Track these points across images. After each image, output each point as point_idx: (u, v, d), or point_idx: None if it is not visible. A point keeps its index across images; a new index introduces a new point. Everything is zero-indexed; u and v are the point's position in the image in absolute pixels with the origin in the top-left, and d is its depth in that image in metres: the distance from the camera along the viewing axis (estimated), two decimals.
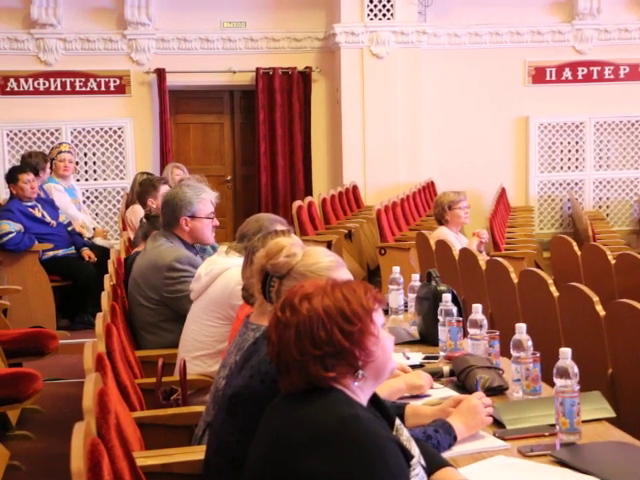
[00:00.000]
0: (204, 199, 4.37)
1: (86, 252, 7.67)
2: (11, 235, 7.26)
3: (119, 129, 11.04)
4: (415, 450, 2.12)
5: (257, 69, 11.19)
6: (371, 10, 11.06)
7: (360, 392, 2.00)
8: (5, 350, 4.89)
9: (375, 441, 1.88)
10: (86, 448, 1.87)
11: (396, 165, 11.10)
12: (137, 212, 6.45)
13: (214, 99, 11.65)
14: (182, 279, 4.18)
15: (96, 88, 10.94)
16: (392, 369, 2.08)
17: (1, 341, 4.94)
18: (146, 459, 2.66)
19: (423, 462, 2.13)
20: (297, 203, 8.80)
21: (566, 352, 2.58)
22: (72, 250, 7.76)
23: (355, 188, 11.02)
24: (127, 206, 7.43)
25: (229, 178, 11.80)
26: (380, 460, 1.86)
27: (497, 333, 3.39)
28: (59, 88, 10.86)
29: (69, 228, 7.83)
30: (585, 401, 2.67)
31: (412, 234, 8.20)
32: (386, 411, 2.14)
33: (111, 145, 11.08)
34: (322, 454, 1.86)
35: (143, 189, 6.39)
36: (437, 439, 2.44)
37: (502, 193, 10.97)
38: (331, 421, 1.90)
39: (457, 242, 6.27)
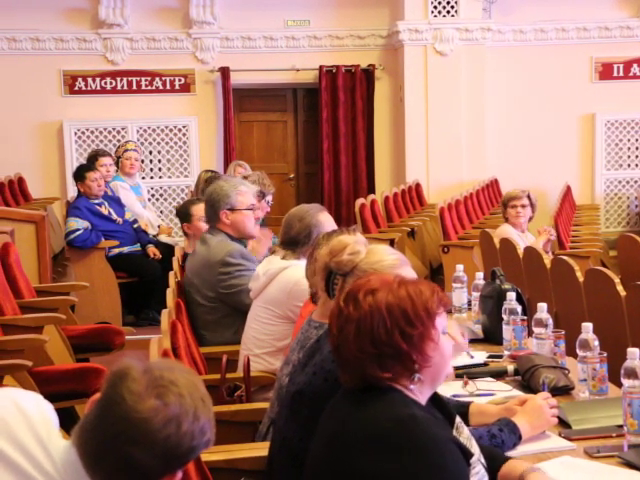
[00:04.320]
0: (242, 191, 4.34)
1: (151, 249, 7.77)
2: (79, 232, 7.37)
3: (184, 127, 11.13)
4: (475, 449, 2.11)
5: (320, 67, 11.24)
6: (435, 7, 11.04)
7: (418, 392, 2.00)
8: (73, 345, 4.95)
9: (433, 441, 1.88)
10: None
11: (459, 163, 11.09)
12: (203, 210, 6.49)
13: (277, 97, 11.73)
14: (236, 273, 4.17)
15: (161, 87, 11.07)
16: (449, 374, 2.08)
17: (69, 336, 5.01)
18: (210, 454, 2.67)
19: (484, 461, 2.11)
20: (360, 201, 8.78)
21: (634, 352, 2.55)
22: (138, 247, 7.84)
23: (418, 186, 11.01)
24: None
25: (292, 176, 11.84)
26: (438, 460, 1.86)
27: (563, 332, 3.36)
28: (125, 87, 11.00)
29: (135, 225, 7.93)
30: None
31: (475, 232, 8.16)
32: (446, 410, 2.12)
33: (176, 143, 11.13)
34: (379, 454, 1.85)
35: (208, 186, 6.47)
36: (502, 438, 2.42)
37: (567, 191, 10.88)
38: (388, 422, 1.90)
39: (520, 240, 6.20)
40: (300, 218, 3.70)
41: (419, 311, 1.96)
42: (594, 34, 11.62)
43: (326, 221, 3.72)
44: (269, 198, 5.67)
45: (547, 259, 5.30)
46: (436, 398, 2.12)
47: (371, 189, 11.27)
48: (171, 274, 4.45)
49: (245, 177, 5.89)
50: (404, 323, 1.94)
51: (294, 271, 3.59)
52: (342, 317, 1.98)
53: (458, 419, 2.16)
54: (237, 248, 4.20)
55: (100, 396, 1.58)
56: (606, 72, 11.71)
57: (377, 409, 1.93)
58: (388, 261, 2.44)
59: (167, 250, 7.50)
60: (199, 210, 5.19)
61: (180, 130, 11.13)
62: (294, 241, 3.69)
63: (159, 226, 8.63)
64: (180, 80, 11.12)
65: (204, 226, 5.01)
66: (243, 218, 4.26)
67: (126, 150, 8.53)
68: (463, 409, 2.60)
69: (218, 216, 4.28)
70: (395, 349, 1.94)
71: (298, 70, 11.27)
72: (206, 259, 4.25)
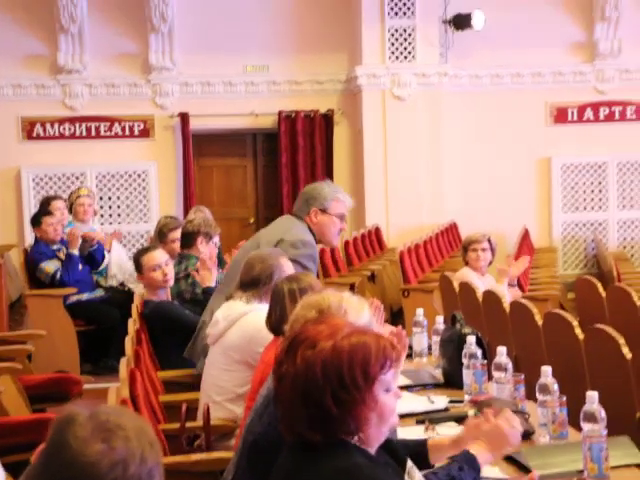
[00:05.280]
0: (339, 199, 4.40)
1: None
2: (58, 272, 7.35)
3: (143, 172, 11.15)
4: None
5: (279, 112, 11.27)
6: (392, 52, 11.14)
7: (363, 443, 1.91)
8: (29, 396, 4.84)
9: None
10: None
11: (419, 207, 11.13)
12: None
13: (237, 142, 11.75)
14: (302, 258, 4.23)
15: (120, 132, 11.08)
16: (393, 425, 1.98)
17: (25, 386, 4.90)
18: None
19: None
20: (320, 245, 8.73)
21: (593, 396, 2.56)
22: (97, 294, 7.75)
23: (378, 230, 11.05)
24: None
25: (252, 221, 11.82)
26: None
27: (522, 376, 3.35)
28: (84, 133, 10.99)
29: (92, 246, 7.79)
30: (613, 446, 2.61)
31: (435, 276, 8.20)
32: (398, 455, 2.07)
33: (135, 189, 11.13)
34: None
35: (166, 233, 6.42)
36: (461, 478, 2.37)
37: (525, 234, 10.97)
38: (334, 474, 1.84)
39: (481, 283, 6.21)
40: (262, 260, 3.72)
41: (356, 375, 1.84)
42: (548, 79, 11.72)
43: (286, 265, 3.75)
44: (216, 240, 5.66)
45: (506, 303, 5.31)
46: (387, 443, 2.04)
47: None
48: (130, 321, 4.43)
49: (189, 221, 5.88)
50: (338, 386, 1.83)
51: (255, 317, 3.57)
52: (281, 369, 1.90)
53: (410, 464, 2.12)
54: (311, 241, 4.28)
55: (45, 444, 1.56)
56: (560, 116, 11.83)
57: (321, 462, 1.85)
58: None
59: (126, 297, 7.43)
60: (150, 260, 5.11)
61: (139, 175, 11.15)
62: (255, 281, 3.70)
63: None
64: (139, 125, 11.16)
65: (157, 276, 5.02)
66: (330, 223, 4.34)
67: (79, 196, 8.49)
68: (422, 447, 2.56)
69: (308, 210, 4.36)
70: (325, 412, 1.83)
71: (257, 115, 11.32)
72: (277, 230, 4.36)
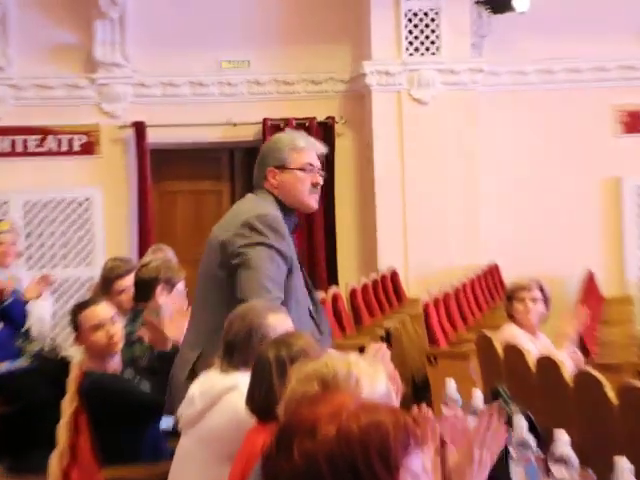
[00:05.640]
0: (298, 146, 4.43)
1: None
2: None
3: (85, 201, 11.23)
4: None
5: (264, 120, 11.37)
6: (410, 43, 11.27)
7: None
8: None
9: None
10: None
11: (447, 244, 11.21)
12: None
13: (209, 160, 11.90)
14: (256, 242, 4.28)
15: (55, 148, 11.21)
16: None
17: None
18: None
19: None
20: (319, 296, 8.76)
21: None
22: (19, 363, 7.60)
23: (394, 275, 11.11)
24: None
25: None
26: None
27: (590, 472, 3.35)
28: (8, 149, 11.14)
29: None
30: None
31: (471, 336, 8.28)
32: None
33: (74, 222, 11.21)
34: None
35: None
36: None
37: (590, 279, 10.99)
38: None
39: (532, 346, 6.22)
40: (242, 315, 3.75)
41: (374, 465, 1.77)
42: (615, 75, 11.82)
43: (277, 323, 3.74)
44: (180, 286, 5.67)
45: (567, 372, 5.28)
46: None
47: (333, 279, 11.37)
48: (65, 400, 4.35)
49: (144, 265, 5.89)
50: None
51: (242, 396, 3.51)
52: (272, 468, 1.82)
53: None
54: (273, 216, 4.32)
55: None
56: (632, 123, 11.90)
57: None
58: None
59: (60, 368, 7.34)
60: (91, 317, 5.10)
61: (80, 205, 11.23)
62: (231, 345, 3.72)
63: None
64: (80, 139, 11.26)
65: (100, 338, 5.05)
66: (294, 180, 4.39)
67: None
68: None
69: (265, 175, 4.43)
70: None
71: (235, 125, 11.45)
72: (230, 217, 4.46)
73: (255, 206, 4.35)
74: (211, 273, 4.40)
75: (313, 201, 4.48)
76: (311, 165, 4.43)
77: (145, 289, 5.61)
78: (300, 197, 4.42)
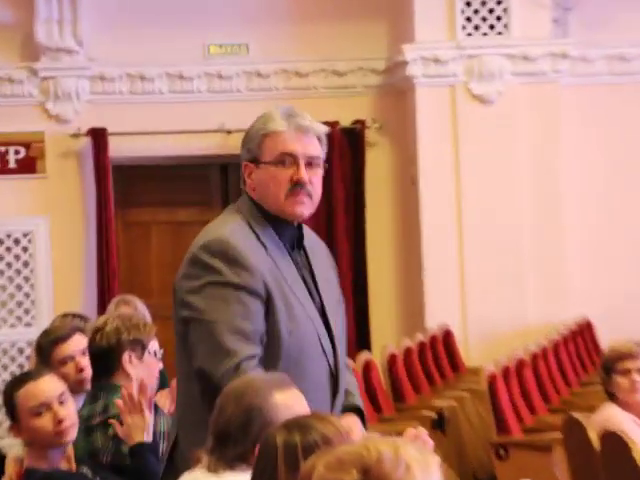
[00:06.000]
0: (269, 129, 4.41)
1: None
2: None
3: (25, 235, 11.28)
4: None
5: None
6: (468, 19, 11.30)
7: None
8: None
9: None
10: None
11: (521, 292, 11.26)
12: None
13: (194, 180, 11.98)
14: (205, 280, 4.23)
15: None
16: None
17: None
18: None
19: None
20: None
21: None
22: None
23: (448, 336, 11.18)
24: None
25: None
26: None
27: None
28: None
29: None
30: None
31: (555, 419, 8.39)
32: None
33: (10, 265, 11.24)
34: None
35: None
36: None
37: None
38: None
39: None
40: (238, 396, 3.69)
41: None
42: None
43: (286, 404, 3.69)
44: (154, 347, 5.62)
45: None
46: None
47: (363, 342, 11.46)
48: None
49: (98, 329, 5.67)
50: None
51: None
52: None
53: None
54: (227, 238, 4.27)
55: None
56: None
57: None
58: None
59: None
60: (31, 396, 5.01)
61: (17, 241, 11.29)
62: (223, 436, 3.67)
63: None
64: (17, 152, 11.35)
65: (44, 424, 4.99)
66: (267, 178, 4.40)
67: None
68: None
69: (244, 174, 4.46)
70: None
71: (230, 132, 11.48)
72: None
73: (210, 228, 4.36)
74: (176, 330, 4.38)
75: (294, 205, 4.37)
76: (290, 155, 4.37)
77: (106, 361, 5.55)
78: (274, 201, 4.36)
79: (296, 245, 4.39)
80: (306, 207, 4.34)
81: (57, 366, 5.95)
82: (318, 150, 4.37)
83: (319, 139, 4.39)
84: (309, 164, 4.32)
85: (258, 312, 4.17)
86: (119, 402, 5.18)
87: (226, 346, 4.08)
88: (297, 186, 4.32)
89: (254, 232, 4.30)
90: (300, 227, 4.42)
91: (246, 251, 4.23)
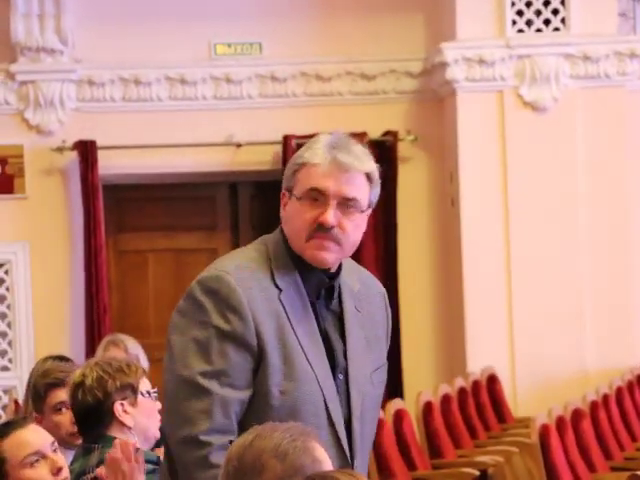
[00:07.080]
0: (306, 160, 4.24)
1: None
2: None
3: (1, 267, 11.48)
4: None
5: (285, 138, 11.55)
6: (519, 12, 11.10)
7: None
8: None
9: None
10: None
11: (579, 331, 11.21)
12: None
13: (198, 201, 12.06)
14: (192, 320, 4.14)
15: None
16: None
17: None
18: None
19: None
20: None
21: None
22: None
23: (493, 381, 11.22)
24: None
25: None
26: None
27: None
28: None
29: None
30: None
31: (618, 478, 8.78)
32: None
33: None
34: None
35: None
36: None
37: None
38: None
39: None
40: (254, 453, 3.43)
41: None
42: None
43: (316, 464, 3.43)
44: (145, 388, 5.40)
45: None
46: None
47: (394, 388, 11.40)
48: None
49: (77, 384, 5.36)
50: None
51: None
52: None
53: None
54: (226, 274, 4.17)
55: None
56: None
57: None
58: None
59: None
60: (16, 449, 4.81)
61: None
62: None
63: None
64: None
65: (42, 475, 4.83)
66: (294, 212, 4.30)
67: None
68: None
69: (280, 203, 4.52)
70: None
71: (240, 145, 11.56)
72: None
73: (221, 259, 4.33)
74: None
75: (315, 250, 4.24)
76: (321, 192, 4.21)
77: (97, 416, 5.29)
78: (297, 241, 4.27)
79: (325, 295, 4.19)
80: (330, 254, 4.16)
81: (50, 413, 5.86)
82: (357, 192, 4.13)
83: (369, 178, 4.16)
84: (343, 205, 4.10)
85: (242, 365, 4.05)
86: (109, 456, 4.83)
87: (189, 414, 3.99)
88: (321, 229, 4.15)
89: (271, 271, 4.17)
90: (332, 275, 4.20)
91: (244, 292, 4.10)
